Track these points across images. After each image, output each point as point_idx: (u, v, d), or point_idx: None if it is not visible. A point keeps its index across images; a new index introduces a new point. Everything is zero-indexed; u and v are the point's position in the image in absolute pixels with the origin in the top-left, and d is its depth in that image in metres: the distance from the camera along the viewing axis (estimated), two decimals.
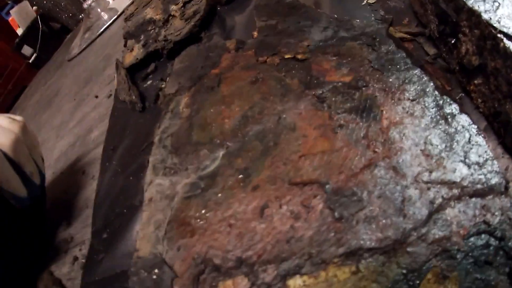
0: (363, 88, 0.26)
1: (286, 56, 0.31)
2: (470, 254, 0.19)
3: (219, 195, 0.25)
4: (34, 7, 1.69)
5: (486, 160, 0.21)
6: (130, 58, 0.64)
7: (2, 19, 2.01)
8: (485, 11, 0.26)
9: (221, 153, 0.28)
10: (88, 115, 0.71)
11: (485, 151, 0.21)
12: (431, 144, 0.22)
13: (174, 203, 0.27)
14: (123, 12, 1.09)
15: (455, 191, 0.20)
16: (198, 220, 0.25)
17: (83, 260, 0.46)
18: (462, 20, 0.28)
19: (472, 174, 0.21)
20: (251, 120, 0.28)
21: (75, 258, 0.49)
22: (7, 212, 0.47)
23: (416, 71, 0.27)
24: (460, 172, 0.21)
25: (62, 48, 1.58)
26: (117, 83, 0.62)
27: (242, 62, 0.34)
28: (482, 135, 0.23)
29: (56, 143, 0.76)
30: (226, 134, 0.29)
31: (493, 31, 0.24)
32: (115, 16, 1.12)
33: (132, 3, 0.98)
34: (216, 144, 0.29)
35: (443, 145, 0.22)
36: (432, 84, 0.26)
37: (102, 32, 1.11)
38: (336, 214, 0.21)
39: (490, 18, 0.25)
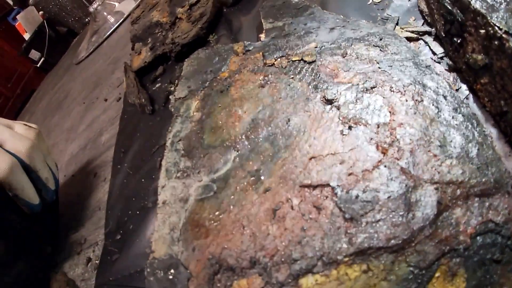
0: (371, 89, 0.26)
1: (294, 59, 0.32)
2: (477, 252, 0.19)
3: (232, 197, 0.26)
4: (40, 12, 1.71)
5: (493, 159, 0.21)
6: (138, 61, 0.65)
7: (9, 25, 2.03)
8: (491, 11, 0.26)
9: (232, 155, 0.28)
10: (98, 118, 0.72)
11: (492, 151, 0.22)
12: (439, 145, 0.22)
13: (188, 205, 0.28)
14: (129, 15, 1.10)
15: (463, 191, 0.21)
16: (212, 222, 0.26)
17: (97, 261, 0.47)
18: (468, 20, 0.29)
19: (479, 174, 0.21)
20: (261, 123, 0.29)
21: (89, 259, 0.49)
22: (21, 216, 0.48)
23: (423, 71, 0.28)
24: (467, 172, 0.21)
25: (69, 51, 1.60)
26: (126, 86, 0.63)
27: (250, 65, 0.34)
28: (489, 134, 0.23)
29: (66, 146, 0.77)
30: (237, 137, 0.29)
31: (498, 31, 0.25)
32: (122, 19, 1.13)
33: (138, 6, 0.99)
34: (227, 147, 0.29)
35: (451, 146, 0.22)
36: (439, 84, 0.26)
37: (109, 35, 1.12)
38: (346, 215, 0.22)
39: (496, 18, 0.26)
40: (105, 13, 1.23)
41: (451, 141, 0.22)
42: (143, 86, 0.61)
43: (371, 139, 0.24)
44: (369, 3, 0.43)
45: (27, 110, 1.44)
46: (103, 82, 0.83)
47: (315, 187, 0.23)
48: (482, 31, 0.27)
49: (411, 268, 0.19)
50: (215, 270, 0.24)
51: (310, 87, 0.28)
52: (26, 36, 1.79)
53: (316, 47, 0.32)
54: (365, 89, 0.26)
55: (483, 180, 0.21)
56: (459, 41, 0.30)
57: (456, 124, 0.23)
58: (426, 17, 0.37)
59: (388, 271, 0.19)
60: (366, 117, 0.25)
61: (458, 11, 0.30)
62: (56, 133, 0.89)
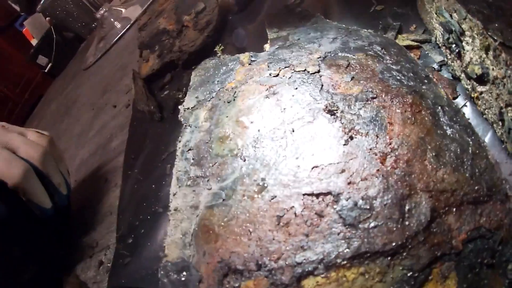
0: (372, 100, 0.28)
1: (298, 69, 0.33)
2: (468, 257, 0.20)
3: (239, 204, 0.28)
4: (47, 18, 1.74)
5: (486, 168, 0.23)
6: (146, 69, 0.66)
7: (17, 31, 2.06)
8: (487, 22, 0.27)
9: (239, 164, 0.30)
10: (108, 124, 0.74)
11: (486, 160, 0.23)
12: (435, 154, 0.24)
13: (198, 211, 0.30)
14: (136, 20, 1.12)
15: (456, 199, 0.22)
16: (221, 227, 0.27)
17: (109, 264, 0.49)
18: (465, 30, 0.30)
19: (472, 182, 0.22)
20: (267, 133, 0.30)
21: (101, 263, 0.51)
22: (34, 220, 0.49)
23: (422, 81, 0.29)
24: (461, 180, 0.23)
25: (77, 57, 1.62)
26: (134, 93, 0.64)
27: (256, 76, 0.36)
28: (484, 144, 0.25)
29: (76, 152, 0.79)
30: (243, 146, 0.31)
31: (493, 42, 0.26)
32: (128, 25, 1.15)
33: (145, 12, 1.01)
34: (235, 156, 0.31)
35: (446, 155, 0.24)
36: (437, 94, 0.27)
37: (116, 41, 1.14)
38: (345, 221, 0.23)
39: (491, 30, 0.27)
40: (112, 19, 1.25)
41: (446, 151, 0.24)
42: (152, 93, 0.62)
43: (370, 149, 0.25)
44: (371, 11, 0.44)
45: (36, 115, 1.46)
46: (111, 89, 0.85)
47: (317, 195, 0.25)
48: (479, 41, 0.28)
49: (405, 271, 0.20)
50: (224, 273, 0.26)
51: (313, 98, 0.30)
52: (34, 42, 1.82)
53: (319, 58, 0.34)
54: (365, 100, 0.28)
55: (476, 188, 0.22)
56: (457, 50, 0.32)
57: (452, 134, 0.24)
58: (426, 25, 0.38)
59: (384, 273, 0.21)
60: (366, 128, 0.26)
61: (456, 22, 0.31)
62: (65, 138, 0.91)
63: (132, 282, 0.43)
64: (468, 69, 0.30)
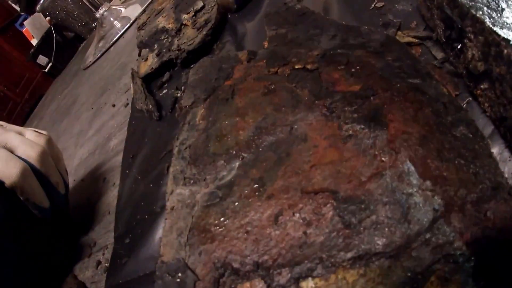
0: (372, 97, 0.27)
1: (297, 67, 0.33)
2: (472, 258, 0.20)
3: (236, 203, 0.27)
4: (47, 18, 1.74)
5: (490, 166, 0.22)
6: (145, 68, 0.66)
7: (17, 31, 2.07)
8: (489, 18, 0.27)
9: (237, 163, 0.29)
10: (107, 123, 0.73)
11: (490, 158, 0.22)
12: (437, 153, 0.23)
13: (195, 211, 0.29)
14: (135, 20, 1.12)
15: (460, 198, 0.21)
16: (217, 227, 0.27)
17: (106, 264, 0.48)
18: (467, 26, 0.29)
19: (476, 181, 0.22)
20: (265, 131, 0.29)
21: (99, 262, 0.51)
22: (32, 219, 0.49)
23: (423, 78, 0.28)
24: (464, 179, 0.22)
25: (77, 57, 1.62)
26: (133, 92, 0.64)
27: (254, 73, 0.35)
28: (488, 141, 0.24)
29: (75, 151, 0.79)
30: (241, 145, 0.30)
31: (496, 38, 0.25)
32: (128, 25, 1.15)
33: (144, 11, 1.00)
34: (232, 155, 0.30)
35: (449, 153, 0.23)
36: (439, 91, 0.27)
37: (116, 40, 1.13)
38: (345, 221, 0.23)
39: (494, 25, 0.26)
40: (111, 19, 1.24)
41: (449, 149, 0.23)
42: (150, 92, 0.62)
43: (370, 147, 0.24)
44: (371, 8, 0.44)
45: (36, 115, 1.46)
46: (110, 88, 0.85)
47: (315, 194, 0.24)
48: (481, 37, 0.27)
49: (407, 273, 0.20)
50: (221, 274, 0.25)
51: (312, 95, 0.29)
52: (34, 42, 1.82)
53: (318, 55, 0.33)
54: (365, 97, 0.27)
55: (480, 187, 0.21)
56: (459, 46, 0.31)
57: (455, 132, 0.24)
58: (427, 22, 0.38)
59: (385, 275, 0.20)
60: (366, 126, 0.26)
61: (457, 17, 0.30)
62: (65, 138, 0.91)
63: (129, 282, 0.42)
64: (470, 66, 0.29)
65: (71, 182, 0.70)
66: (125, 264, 0.45)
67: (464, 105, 0.30)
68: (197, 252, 0.27)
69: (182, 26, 0.66)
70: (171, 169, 0.33)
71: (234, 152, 0.30)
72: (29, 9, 1.80)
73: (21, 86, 1.83)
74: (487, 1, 0.28)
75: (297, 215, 0.24)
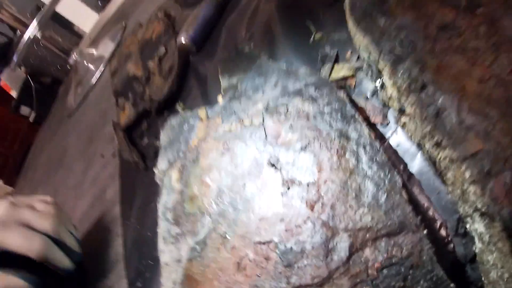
0: (305, 148, 0.33)
1: (245, 123, 0.38)
2: (383, 282, 0.26)
3: (210, 255, 0.34)
4: (22, 68, 1.77)
5: (399, 203, 0.27)
6: (124, 118, 0.71)
7: None
8: (396, 64, 0.32)
9: (207, 221, 0.36)
10: (99, 175, 0.78)
11: (399, 195, 0.28)
12: (355, 196, 0.29)
13: (182, 264, 0.35)
14: (109, 60, 1.15)
15: (371, 234, 0.27)
16: (200, 275, 0.34)
17: None
18: (382, 68, 0.34)
19: (386, 218, 0.27)
20: (225, 190, 0.36)
21: None
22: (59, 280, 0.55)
23: (348, 122, 0.33)
24: (376, 217, 0.28)
25: (59, 101, 1.65)
26: (118, 143, 0.69)
27: (212, 132, 0.40)
28: (397, 180, 0.29)
29: (75, 203, 0.83)
30: (208, 204, 0.36)
31: (403, 84, 0.30)
32: (102, 66, 1.18)
33: (114, 56, 1.04)
34: (203, 213, 0.36)
35: (364, 195, 0.29)
36: (361, 133, 0.32)
37: (94, 84, 1.17)
38: (284, 262, 0.30)
39: (400, 70, 0.31)
40: (85, 62, 1.28)
41: (364, 191, 0.29)
42: (133, 142, 0.66)
43: (303, 197, 0.31)
44: (310, 41, 0.48)
45: (28, 166, 1.49)
46: (96, 137, 0.89)
47: (263, 243, 0.32)
48: (391, 81, 0.32)
49: None
50: None
51: (258, 151, 0.35)
52: (14, 93, 1.85)
53: (263, 107, 0.38)
54: (300, 149, 0.33)
55: (389, 223, 0.27)
56: (380, 84, 0.36)
57: (371, 174, 0.29)
58: (359, 51, 0.42)
59: None
60: (300, 177, 0.32)
61: (372, 61, 0.35)
62: (62, 190, 0.95)
63: None
64: (389, 102, 0.34)
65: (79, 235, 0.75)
66: None
67: (393, 134, 0.35)
68: None
69: (150, 74, 0.70)
70: (159, 230, 0.39)
71: (204, 210, 0.36)
72: (3, 62, 1.83)
73: (9, 139, 1.87)
74: (397, 44, 0.33)
75: (252, 260, 0.32)
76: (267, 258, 0.31)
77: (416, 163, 0.32)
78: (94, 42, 1.50)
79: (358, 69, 0.41)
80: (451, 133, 0.26)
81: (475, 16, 0.31)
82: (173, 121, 0.47)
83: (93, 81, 1.19)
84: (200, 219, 0.36)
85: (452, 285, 0.25)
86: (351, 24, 0.39)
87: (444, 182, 0.29)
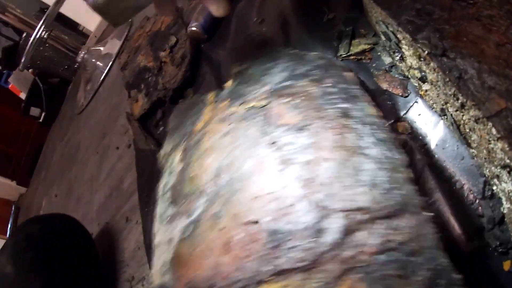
0: (305, 128, 0.32)
1: (250, 105, 0.38)
2: (378, 269, 0.24)
3: (201, 235, 0.34)
4: (30, 70, 1.78)
5: (400, 183, 0.27)
6: (138, 109, 0.71)
7: (3, 88, 2.10)
8: (416, 33, 0.32)
9: (202, 201, 0.35)
10: (115, 166, 0.79)
11: (401, 174, 0.27)
12: (354, 175, 0.28)
13: (173, 244, 0.36)
14: (117, 56, 1.15)
15: (369, 215, 0.26)
16: (189, 256, 0.34)
17: None
18: (401, 40, 0.34)
19: (385, 199, 0.26)
20: (224, 170, 0.35)
21: None
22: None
23: (353, 101, 0.33)
24: (375, 197, 0.26)
25: (68, 101, 1.67)
26: (133, 134, 0.69)
27: (218, 114, 0.40)
28: (400, 158, 0.28)
29: (92, 197, 0.84)
30: (206, 184, 0.36)
31: (422, 52, 0.31)
32: (110, 62, 1.18)
33: (123, 50, 1.05)
34: (200, 193, 0.36)
35: (364, 174, 0.28)
36: (365, 112, 0.32)
37: (103, 80, 1.18)
38: (272, 243, 0.29)
39: (421, 39, 0.31)
40: (93, 60, 1.29)
41: (363, 170, 0.28)
42: (148, 131, 0.67)
43: (298, 176, 0.30)
44: (324, 20, 0.48)
45: (41, 166, 1.51)
46: (109, 130, 0.90)
47: (253, 222, 0.30)
48: (412, 50, 0.33)
49: (319, 284, 0.25)
50: None
51: (259, 132, 0.35)
52: (22, 95, 1.86)
53: (269, 89, 0.38)
54: (300, 129, 0.32)
55: (389, 204, 0.26)
56: (399, 55, 0.36)
57: (372, 153, 0.29)
58: (374, 28, 0.43)
59: (301, 285, 0.26)
60: (297, 156, 0.31)
61: (391, 33, 0.35)
62: (78, 185, 0.96)
63: None
64: (410, 72, 0.35)
65: (96, 226, 0.76)
66: None
67: (414, 104, 0.35)
68: (175, 277, 0.34)
69: (162, 64, 0.71)
70: (156, 210, 0.39)
71: (201, 190, 0.36)
72: (11, 65, 1.85)
73: (20, 141, 1.88)
74: (414, 14, 0.33)
75: (241, 241, 0.30)
76: (254, 239, 0.29)
77: (439, 131, 0.33)
78: (101, 40, 1.50)
79: (375, 44, 0.42)
80: (475, 94, 0.27)
81: None
82: (181, 105, 0.47)
83: (102, 77, 1.19)
84: (196, 199, 0.36)
85: (456, 276, 0.23)
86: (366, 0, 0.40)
87: (469, 145, 0.30)
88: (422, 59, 0.31)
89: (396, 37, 0.34)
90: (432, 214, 0.25)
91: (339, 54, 0.43)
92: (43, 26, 1.31)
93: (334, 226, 0.26)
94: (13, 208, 1.61)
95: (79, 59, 1.30)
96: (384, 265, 0.24)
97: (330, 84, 0.34)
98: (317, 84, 0.35)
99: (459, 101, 0.28)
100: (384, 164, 0.28)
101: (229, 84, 0.45)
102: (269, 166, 0.33)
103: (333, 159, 0.29)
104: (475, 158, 0.30)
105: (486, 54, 0.29)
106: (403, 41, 0.34)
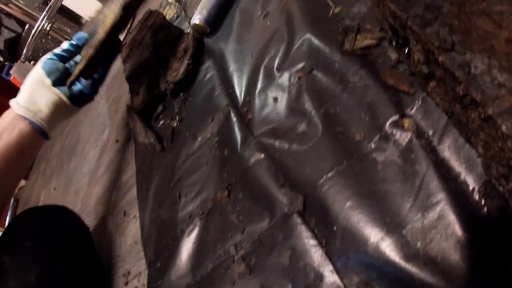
0: None
1: None
2: None
3: None
4: (32, 62, 1.77)
5: None
6: (138, 102, 0.70)
7: (4, 80, 2.10)
8: (424, 28, 0.31)
9: None
10: (114, 160, 0.78)
11: None
12: None
13: None
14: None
15: None
16: None
17: None
18: (408, 34, 0.34)
19: None
20: None
21: None
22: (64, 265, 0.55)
23: None
24: None
25: None
26: (133, 128, 0.69)
27: None
28: None
29: (90, 189, 0.84)
30: None
31: (431, 46, 0.30)
32: None
33: (125, 42, 1.04)
34: None
35: None
36: None
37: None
38: None
39: (429, 34, 0.30)
40: None
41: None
42: (148, 125, 0.66)
43: None
44: (329, 15, 0.47)
45: (41, 158, 1.50)
46: (110, 124, 0.89)
47: None
48: (420, 45, 0.32)
49: None
50: None
51: None
52: None
53: None
54: None
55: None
56: (406, 50, 0.35)
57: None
58: (380, 24, 0.42)
59: None
60: None
61: (399, 27, 0.34)
62: (76, 178, 0.95)
63: None
64: (417, 68, 0.34)
65: (93, 219, 0.75)
66: (161, 286, 0.50)
67: (420, 101, 0.34)
68: None
69: (164, 57, 0.70)
70: None
71: None
72: (13, 57, 1.84)
73: None
74: (423, 8, 0.32)
75: None
76: None
77: (445, 129, 0.32)
78: None
79: (381, 39, 0.41)
80: (484, 91, 0.26)
81: None
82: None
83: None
84: None
85: None
86: None
87: (475, 144, 0.29)
88: (430, 53, 0.30)
89: (404, 31, 0.34)
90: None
91: (344, 49, 0.42)
92: (46, 18, 1.31)
93: None
94: (12, 201, 1.61)
95: None
96: None
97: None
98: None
99: (468, 97, 0.27)
100: None
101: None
102: None
103: None
104: (482, 157, 0.29)
105: (496, 50, 0.28)
106: (411, 36, 0.33)
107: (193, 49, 0.63)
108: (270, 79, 0.49)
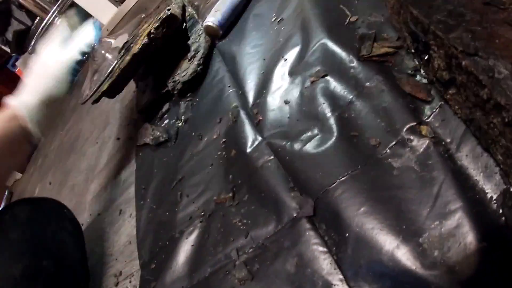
0: None
1: None
2: None
3: None
4: None
5: None
6: (144, 100, 0.70)
7: (10, 72, 2.10)
8: (447, 32, 0.30)
9: None
10: (114, 157, 0.77)
11: None
12: None
13: None
14: None
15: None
16: None
17: None
18: (430, 40, 0.33)
19: None
20: None
21: None
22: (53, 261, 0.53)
23: None
24: None
25: (73, 90, 1.65)
26: (136, 125, 0.68)
27: None
28: None
29: (87, 186, 0.82)
30: None
31: (454, 51, 0.29)
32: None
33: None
34: None
35: None
36: None
37: (110, 72, 1.16)
38: None
39: (453, 39, 0.30)
40: (102, 51, 1.27)
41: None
42: (153, 123, 0.65)
43: None
44: (345, 23, 0.47)
45: (39, 153, 1.48)
46: (112, 121, 0.88)
47: None
48: (442, 50, 0.31)
49: None
50: None
51: None
52: None
53: None
54: None
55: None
56: (426, 57, 0.35)
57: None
58: (398, 32, 0.41)
59: None
60: None
61: (421, 32, 0.34)
62: (74, 174, 0.94)
63: None
64: (437, 74, 0.33)
65: (88, 217, 0.74)
66: None
67: (438, 109, 0.33)
68: None
69: (174, 56, 0.69)
70: None
71: None
72: (20, 49, 1.84)
73: None
74: (446, 15, 0.32)
75: None
76: None
77: (463, 137, 0.31)
78: (113, 33, 1.49)
79: (399, 48, 0.40)
80: (509, 94, 0.25)
81: None
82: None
83: (109, 70, 1.18)
84: None
85: None
86: None
87: (494, 152, 0.28)
88: (453, 58, 0.29)
89: (426, 36, 0.33)
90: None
91: (361, 54, 0.41)
92: (57, 12, 1.31)
93: None
94: (6, 193, 1.58)
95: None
96: None
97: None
98: None
99: (491, 102, 0.26)
100: None
101: None
102: None
103: None
104: (501, 166, 0.28)
105: None
106: (433, 41, 0.32)
107: (204, 50, 0.62)
108: (282, 82, 0.48)
